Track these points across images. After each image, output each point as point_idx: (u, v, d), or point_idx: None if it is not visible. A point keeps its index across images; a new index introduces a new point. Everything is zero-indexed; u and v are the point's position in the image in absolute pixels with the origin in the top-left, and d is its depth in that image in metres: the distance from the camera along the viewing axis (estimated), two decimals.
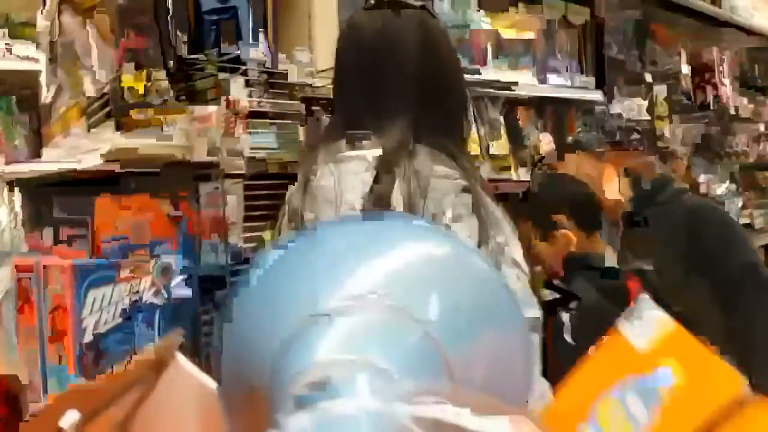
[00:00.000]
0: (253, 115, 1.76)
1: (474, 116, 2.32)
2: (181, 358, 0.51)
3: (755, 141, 4.66)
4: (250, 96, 1.75)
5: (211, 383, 0.49)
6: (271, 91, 1.86)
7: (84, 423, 0.41)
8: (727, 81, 4.14)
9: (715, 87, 4.05)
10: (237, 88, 1.69)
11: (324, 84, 1.88)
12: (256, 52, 1.77)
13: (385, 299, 0.41)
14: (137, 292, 1.29)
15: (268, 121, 1.85)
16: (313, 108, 1.89)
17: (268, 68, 1.85)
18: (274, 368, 0.39)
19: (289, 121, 1.85)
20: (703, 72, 4.03)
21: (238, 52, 1.72)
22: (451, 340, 0.41)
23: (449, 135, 1.13)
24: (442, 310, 0.42)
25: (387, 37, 1.13)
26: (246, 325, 0.44)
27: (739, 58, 4.55)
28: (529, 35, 2.80)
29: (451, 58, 1.20)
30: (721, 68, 4.08)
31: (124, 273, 1.28)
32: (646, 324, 0.51)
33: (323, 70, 1.88)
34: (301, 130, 1.84)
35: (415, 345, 0.40)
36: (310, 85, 1.89)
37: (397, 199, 1.00)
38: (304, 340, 0.39)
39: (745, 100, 4.36)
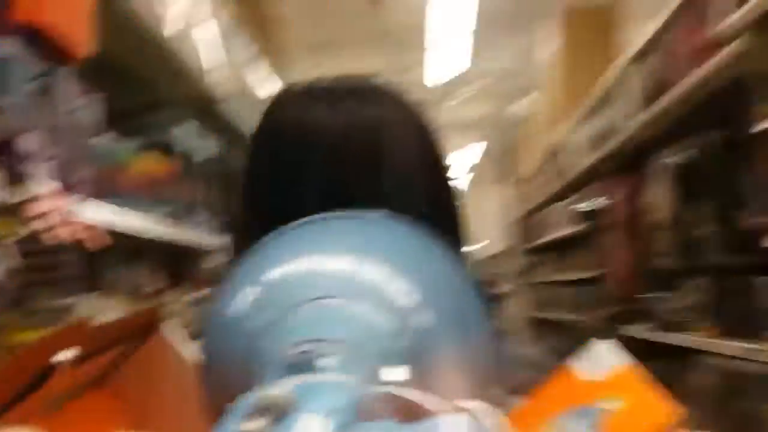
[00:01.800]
0: None
1: None
2: (166, 328, 0.53)
3: None
4: None
5: (192, 357, 0.52)
6: None
7: (73, 364, 0.42)
8: None
9: None
10: None
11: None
12: None
13: (366, 285, 0.44)
14: None
15: None
16: None
17: None
18: (252, 350, 0.44)
19: None
20: None
21: None
22: (426, 339, 0.44)
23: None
24: (420, 307, 0.45)
25: (376, 144, 0.63)
26: (228, 316, 0.47)
27: None
28: None
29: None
30: None
31: None
32: (598, 361, 0.54)
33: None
34: None
35: (388, 333, 0.43)
36: None
37: None
38: (280, 324, 0.43)
39: None
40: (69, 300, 1.80)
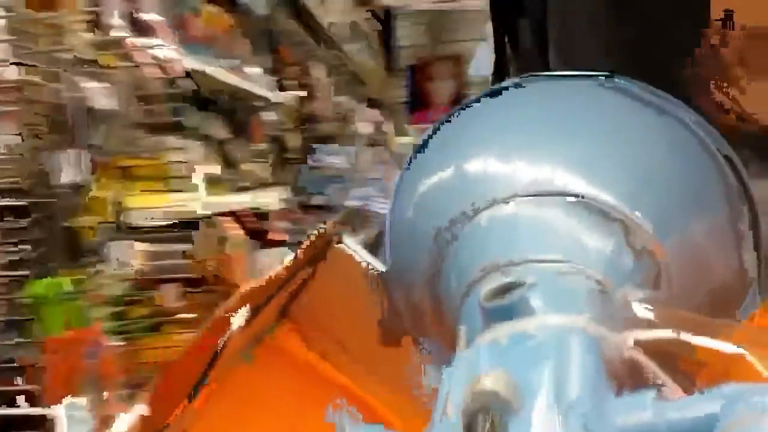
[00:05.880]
0: None
1: None
2: (347, 240, 0.46)
3: None
4: None
5: (377, 266, 0.44)
6: None
7: (252, 317, 0.38)
8: None
9: None
10: None
11: None
12: None
13: (584, 191, 0.32)
14: None
15: None
16: None
17: None
18: (441, 260, 0.33)
19: None
20: None
21: None
22: (662, 233, 0.32)
23: None
24: (652, 201, 0.33)
25: None
26: (409, 206, 0.38)
27: None
28: None
29: None
30: None
31: None
32: None
33: None
34: None
35: (623, 248, 0.31)
36: None
37: None
38: (480, 232, 0.32)
39: None
40: (157, 138, 1.95)
